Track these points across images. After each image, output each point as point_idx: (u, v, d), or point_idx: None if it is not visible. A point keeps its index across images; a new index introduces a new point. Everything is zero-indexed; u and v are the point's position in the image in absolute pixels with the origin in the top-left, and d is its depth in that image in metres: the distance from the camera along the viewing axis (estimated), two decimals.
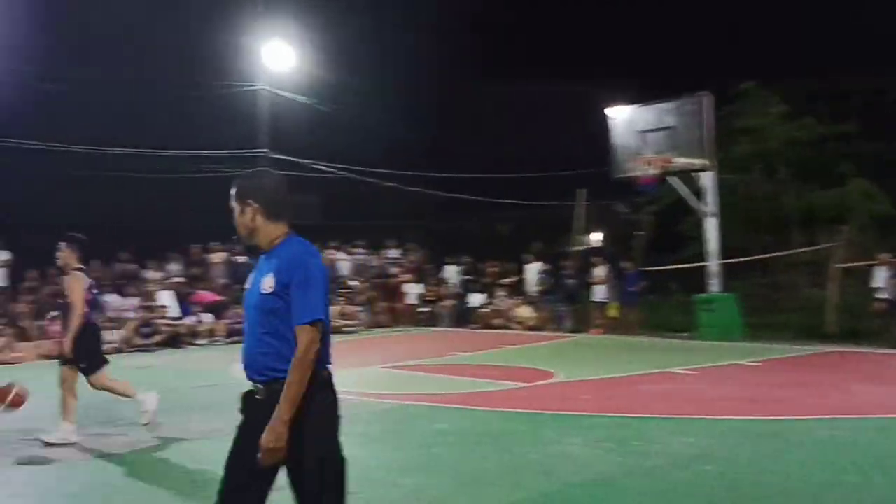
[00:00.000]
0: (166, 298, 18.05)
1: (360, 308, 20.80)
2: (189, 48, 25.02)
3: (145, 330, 16.91)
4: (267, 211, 3.32)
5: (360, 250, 23.10)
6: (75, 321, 7.36)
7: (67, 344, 7.38)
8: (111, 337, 16.25)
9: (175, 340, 17.07)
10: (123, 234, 21.22)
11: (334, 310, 19.86)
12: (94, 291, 7.83)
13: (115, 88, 23.02)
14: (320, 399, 3.20)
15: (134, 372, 13.46)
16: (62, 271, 7.77)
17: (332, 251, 22.56)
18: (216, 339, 17.76)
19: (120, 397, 7.95)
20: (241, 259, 20.62)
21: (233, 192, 3.37)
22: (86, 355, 7.55)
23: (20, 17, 21.90)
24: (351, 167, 26.48)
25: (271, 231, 3.33)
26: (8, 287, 17.35)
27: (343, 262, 22.39)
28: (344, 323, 19.75)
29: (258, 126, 25.09)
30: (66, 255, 7.59)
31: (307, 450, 3.15)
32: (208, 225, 21.97)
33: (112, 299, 17.50)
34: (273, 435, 3.07)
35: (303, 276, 3.15)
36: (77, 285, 7.43)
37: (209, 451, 7.11)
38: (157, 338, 16.88)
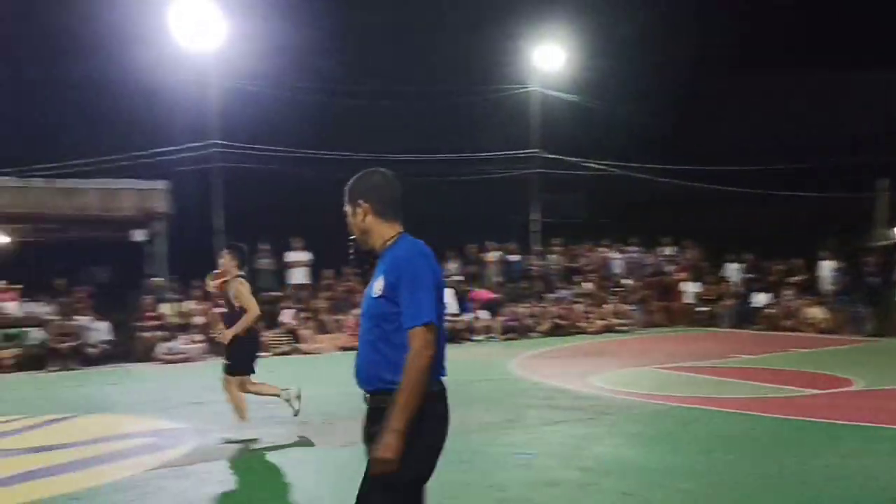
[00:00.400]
0: (445, 296, 18.80)
1: (633, 307, 20.36)
2: (464, 56, 26.10)
3: None
4: (378, 210, 3.18)
5: (634, 248, 22.61)
6: (249, 318, 7.57)
7: (229, 333, 7.57)
8: None
9: (454, 336, 17.78)
10: (410, 232, 22.56)
11: (607, 308, 19.67)
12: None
13: (395, 98, 24.59)
14: (426, 416, 2.91)
15: None
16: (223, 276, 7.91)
17: (604, 249, 22.33)
18: (492, 335, 18.27)
19: (235, 408, 7.82)
20: (515, 258, 21.09)
21: (345, 194, 3.26)
22: (238, 356, 7.69)
23: (313, 43, 24.16)
24: (623, 163, 26.05)
25: (384, 231, 3.18)
26: (309, 285, 19.12)
27: (615, 260, 22.06)
28: (617, 322, 19.45)
29: (529, 126, 25.48)
30: (227, 261, 7.83)
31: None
32: (483, 224, 22.81)
33: None
34: (383, 445, 2.82)
35: (410, 276, 2.96)
36: (245, 290, 7.66)
37: (481, 442, 7.32)
38: None
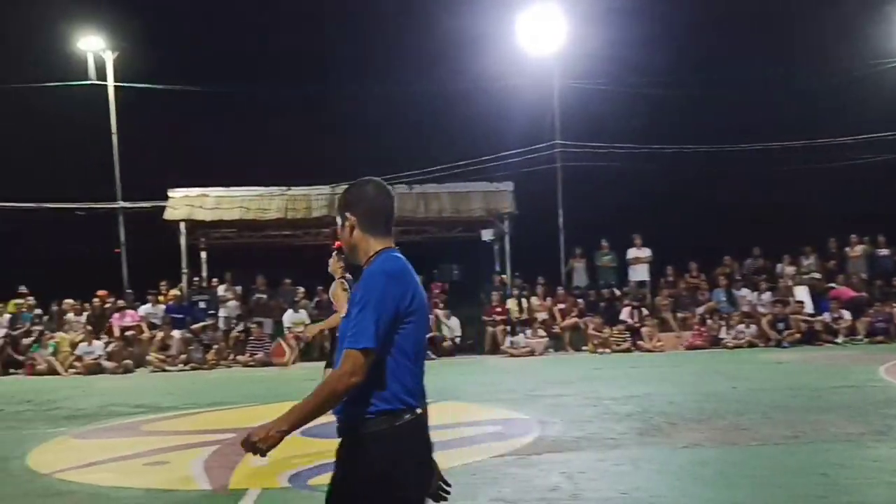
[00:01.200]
0: (802, 294, 17.42)
1: None
2: (821, 35, 24.00)
3: (779, 325, 16.56)
4: (365, 225, 2.88)
5: None
6: (334, 319, 7.52)
7: (313, 328, 7.64)
8: (745, 330, 16.38)
9: (811, 337, 16.35)
10: (755, 228, 21.24)
11: None
12: None
13: (743, 87, 23.24)
14: (383, 449, 2.68)
15: (767, 367, 13.35)
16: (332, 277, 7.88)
17: None
18: (856, 337, 16.48)
19: None
20: (885, 252, 18.80)
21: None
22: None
23: (653, 38, 23.74)
24: None
25: (370, 247, 2.87)
26: (650, 282, 18.80)
27: None
28: None
29: None
30: (334, 262, 7.77)
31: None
32: (846, 216, 20.65)
33: (744, 294, 17.61)
34: (262, 432, 2.59)
35: (362, 294, 2.70)
36: (341, 291, 7.58)
37: (842, 455, 6.59)
38: (792, 334, 16.37)
